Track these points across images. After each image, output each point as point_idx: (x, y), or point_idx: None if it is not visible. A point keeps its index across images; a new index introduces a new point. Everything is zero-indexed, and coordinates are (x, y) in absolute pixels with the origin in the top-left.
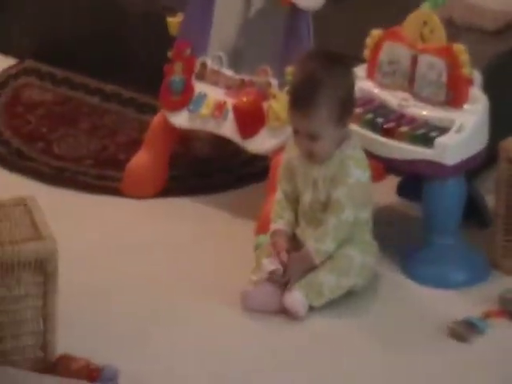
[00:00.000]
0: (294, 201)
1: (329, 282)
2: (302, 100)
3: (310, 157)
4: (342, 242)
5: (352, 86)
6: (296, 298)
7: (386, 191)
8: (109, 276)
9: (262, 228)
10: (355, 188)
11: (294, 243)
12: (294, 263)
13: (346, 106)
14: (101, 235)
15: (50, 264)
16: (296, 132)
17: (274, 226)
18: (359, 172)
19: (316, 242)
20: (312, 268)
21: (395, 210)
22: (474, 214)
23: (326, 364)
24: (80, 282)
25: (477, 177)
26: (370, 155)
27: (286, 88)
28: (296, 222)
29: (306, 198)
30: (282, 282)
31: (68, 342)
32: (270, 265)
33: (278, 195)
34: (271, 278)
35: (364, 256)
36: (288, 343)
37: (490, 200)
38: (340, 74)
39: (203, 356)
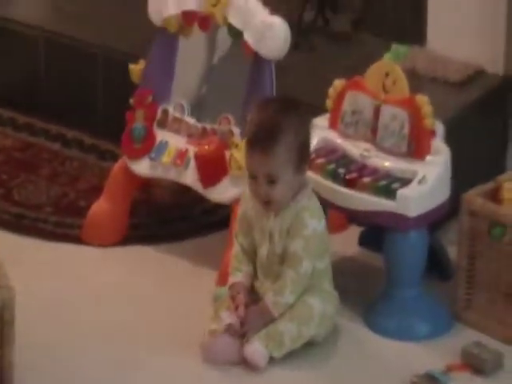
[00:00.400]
0: (251, 253)
1: (289, 331)
2: (261, 140)
3: (267, 205)
4: (300, 293)
5: (309, 132)
6: (256, 349)
7: (348, 241)
8: (68, 326)
9: (223, 278)
10: (312, 239)
11: (253, 296)
12: (252, 316)
13: (304, 151)
14: (61, 284)
15: (7, 312)
16: (253, 178)
17: (232, 279)
18: (315, 222)
19: (274, 296)
20: (271, 321)
21: (357, 261)
22: (436, 265)
23: None
24: (39, 332)
25: (439, 228)
26: (332, 206)
27: (244, 134)
28: (254, 274)
29: (263, 250)
30: (240, 334)
31: None
32: (228, 318)
33: (235, 248)
34: (229, 330)
35: (324, 305)
36: None
37: (452, 252)
38: (298, 118)
39: None
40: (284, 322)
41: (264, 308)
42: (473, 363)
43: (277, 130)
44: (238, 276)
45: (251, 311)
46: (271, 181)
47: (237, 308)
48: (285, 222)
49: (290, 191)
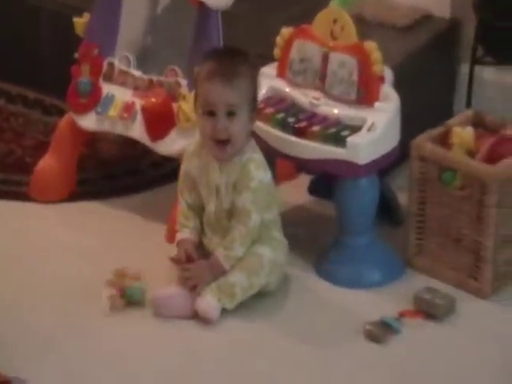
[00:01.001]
0: (197, 209)
1: (240, 282)
2: (223, 71)
3: (223, 145)
4: (250, 245)
5: (257, 83)
6: (208, 302)
7: (298, 190)
8: (17, 283)
9: (171, 234)
10: (259, 191)
11: (202, 251)
12: (203, 269)
13: (255, 99)
14: (8, 241)
15: None
16: (211, 115)
17: (179, 236)
18: (261, 173)
19: (225, 250)
20: (222, 274)
21: (307, 210)
22: (386, 212)
23: (241, 366)
24: None
25: (388, 174)
26: (282, 155)
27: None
28: (202, 230)
29: (211, 207)
30: (191, 287)
31: None
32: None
33: (181, 205)
34: (180, 280)
35: (274, 253)
36: (202, 347)
37: (402, 197)
38: (249, 64)
39: (115, 366)
40: (235, 273)
41: (215, 262)
42: (425, 308)
43: (236, 65)
44: (186, 232)
45: (201, 265)
46: (231, 113)
47: (188, 259)
48: (231, 176)
49: (244, 134)
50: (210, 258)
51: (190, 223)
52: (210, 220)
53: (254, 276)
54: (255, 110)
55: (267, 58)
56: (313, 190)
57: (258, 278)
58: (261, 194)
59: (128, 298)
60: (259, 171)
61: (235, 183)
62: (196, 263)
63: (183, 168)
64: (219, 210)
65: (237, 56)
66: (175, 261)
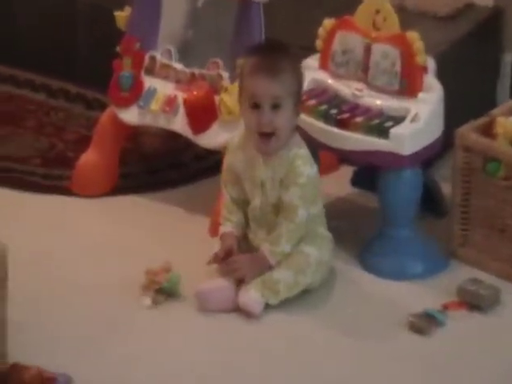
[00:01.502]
0: (241, 203)
1: (285, 279)
2: (268, 65)
3: (268, 138)
4: (297, 242)
5: (302, 76)
6: (251, 296)
7: (341, 182)
8: (61, 280)
9: (214, 227)
10: (307, 186)
11: (246, 245)
12: (249, 263)
13: (300, 92)
14: (51, 237)
15: (0, 269)
16: (255, 107)
17: (222, 229)
18: (308, 169)
19: (271, 245)
20: (268, 269)
21: (350, 202)
22: (430, 203)
23: (285, 359)
24: (31, 288)
25: (432, 165)
26: (325, 147)
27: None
28: (246, 224)
29: (256, 201)
30: (238, 277)
31: (20, 350)
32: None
33: (225, 198)
34: (224, 273)
35: (320, 252)
36: (245, 341)
37: (445, 188)
38: (293, 57)
39: (159, 360)
40: (281, 270)
41: (261, 256)
42: (470, 300)
43: (279, 58)
44: (228, 226)
45: (247, 258)
46: (276, 105)
47: (228, 253)
48: (277, 171)
49: (289, 127)
50: (257, 252)
51: (233, 217)
52: (255, 214)
53: (300, 275)
54: (299, 104)
55: (309, 50)
56: (356, 181)
57: (304, 277)
58: (308, 189)
59: (167, 291)
60: (306, 166)
61: (282, 179)
62: (242, 256)
63: (227, 161)
64: (265, 204)
65: (279, 50)
66: (214, 260)
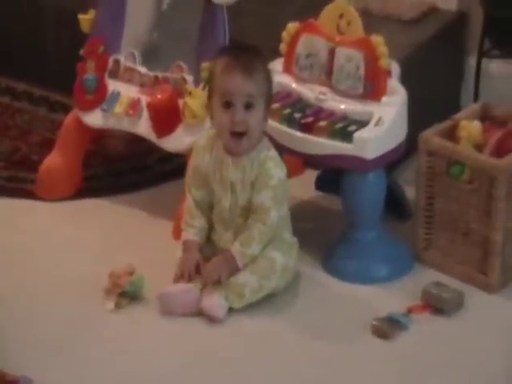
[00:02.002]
0: (205, 206)
1: (250, 283)
2: (242, 63)
3: (240, 138)
4: (266, 244)
5: (271, 79)
6: (215, 300)
7: (305, 185)
8: (23, 282)
9: (177, 230)
10: (278, 188)
11: (210, 249)
12: (220, 265)
13: (271, 92)
14: (15, 239)
15: None
16: (228, 106)
17: (184, 236)
18: (279, 171)
19: (241, 246)
20: (234, 271)
21: (314, 205)
22: (394, 206)
23: (248, 363)
24: None
25: (395, 168)
26: (289, 151)
27: (204, 84)
28: (210, 227)
29: (225, 203)
30: (213, 281)
31: None
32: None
33: (188, 202)
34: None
35: (286, 258)
36: (208, 346)
37: (409, 191)
38: (264, 60)
39: (120, 362)
40: (246, 274)
41: (229, 257)
42: (433, 303)
43: (253, 59)
44: (191, 233)
45: (217, 261)
46: (249, 105)
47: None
48: (247, 173)
49: (260, 129)
50: (224, 254)
51: (195, 222)
52: (223, 216)
53: (264, 280)
54: (269, 107)
55: (273, 53)
56: (320, 185)
57: (268, 282)
58: (279, 191)
59: (130, 295)
60: (277, 169)
61: (253, 181)
62: (211, 262)
63: (192, 163)
64: (234, 206)
65: (251, 51)
66: (177, 279)
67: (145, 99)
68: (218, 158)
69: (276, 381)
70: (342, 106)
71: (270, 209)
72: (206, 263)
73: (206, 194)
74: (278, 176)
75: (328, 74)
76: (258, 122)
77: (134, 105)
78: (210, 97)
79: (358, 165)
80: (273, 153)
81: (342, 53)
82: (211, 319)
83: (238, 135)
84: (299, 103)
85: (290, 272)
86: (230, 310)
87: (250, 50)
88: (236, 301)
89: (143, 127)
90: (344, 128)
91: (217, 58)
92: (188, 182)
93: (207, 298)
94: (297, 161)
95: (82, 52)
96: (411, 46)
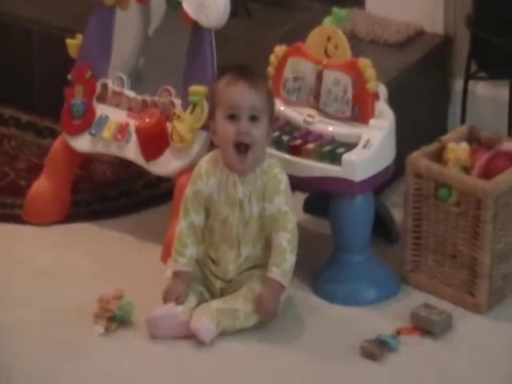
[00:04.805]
0: (201, 231)
1: (244, 308)
2: (248, 75)
3: (244, 151)
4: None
5: (273, 99)
6: (203, 324)
7: (293, 208)
8: (13, 307)
9: (167, 253)
10: (287, 192)
11: (201, 280)
12: (268, 302)
13: (273, 111)
14: (2, 265)
15: None
16: (233, 118)
17: (175, 267)
18: (284, 176)
19: (279, 266)
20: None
21: (302, 228)
22: (381, 228)
23: None
24: None
25: (382, 191)
26: None
27: (192, 108)
28: (207, 257)
29: (232, 220)
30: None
31: None
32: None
33: (179, 229)
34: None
35: None
36: (197, 370)
37: (397, 214)
38: (266, 82)
39: None
40: (240, 300)
41: (274, 285)
42: (422, 325)
43: (256, 76)
44: (181, 263)
45: (265, 298)
46: (254, 117)
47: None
48: (253, 185)
49: (264, 145)
50: (268, 283)
51: (186, 251)
52: (228, 234)
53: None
54: (271, 126)
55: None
56: (308, 208)
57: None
58: (289, 195)
59: (119, 319)
60: (283, 174)
61: (263, 191)
62: (263, 299)
63: (193, 188)
64: (241, 222)
65: (254, 70)
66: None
67: (133, 123)
68: (223, 178)
69: None
70: (330, 129)
71: (287, 212)
72: (260, 301)
73: (203, 218)
74: (285, 180)
75: (316, 97)
76: (262, 136)
77: (123, 129)
78: (211, 115)
79: (347, 187)
80: (274, 160)
81: (329, 76)
82: (199, 342)
83: (243, 149)
84: (287, 126)
85: (283, 298)
86: (221, 334)
87: (252, 69)
88: (229, 325)
89: (132, 151)
90: (332, 150)
91: (219, 78)
92: (186, 208)
93: (196, 320)
94: None
95: (69, 77)
96: (398, 69)
